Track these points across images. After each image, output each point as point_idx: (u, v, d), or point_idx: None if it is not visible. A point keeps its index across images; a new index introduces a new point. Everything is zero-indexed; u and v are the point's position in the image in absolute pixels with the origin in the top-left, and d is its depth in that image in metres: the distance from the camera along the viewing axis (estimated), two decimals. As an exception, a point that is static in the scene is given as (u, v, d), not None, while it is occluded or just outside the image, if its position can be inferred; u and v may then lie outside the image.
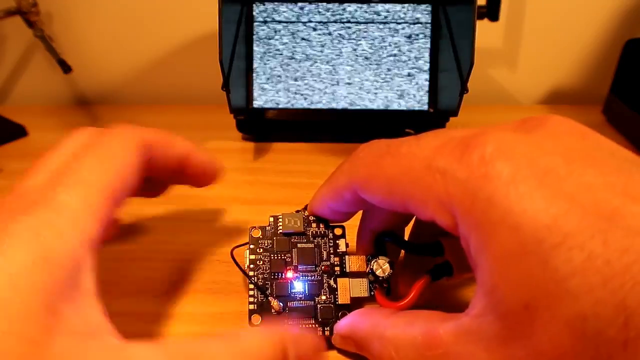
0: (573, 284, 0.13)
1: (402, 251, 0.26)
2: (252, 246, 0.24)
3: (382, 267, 0.23)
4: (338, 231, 0.24)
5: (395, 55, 0.41)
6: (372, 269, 0.23)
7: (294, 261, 0.24)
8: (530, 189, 0.15)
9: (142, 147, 0.22)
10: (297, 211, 0.26)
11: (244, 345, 0.18)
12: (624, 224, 0.13)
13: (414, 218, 0.24)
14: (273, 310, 0.23)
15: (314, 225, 0.24)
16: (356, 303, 0.23)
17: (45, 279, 0.16)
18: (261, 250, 0.24)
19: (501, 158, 0.16)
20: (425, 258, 0.23)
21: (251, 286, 0.23)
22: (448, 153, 0.17)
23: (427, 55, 0.41)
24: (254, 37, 0.42)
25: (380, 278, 0.23)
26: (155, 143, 0.23)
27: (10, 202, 0.19)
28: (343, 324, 0.22)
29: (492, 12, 0.40)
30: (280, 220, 0.24)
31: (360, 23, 0.41)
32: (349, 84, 0.42)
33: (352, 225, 0.25)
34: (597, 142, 0.17)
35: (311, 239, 0.24)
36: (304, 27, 0.41)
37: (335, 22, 0.41)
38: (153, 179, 0.25)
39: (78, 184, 0.19)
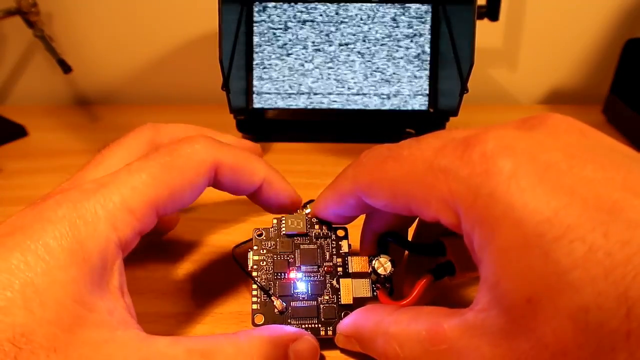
0: (575, 276, 0.13)
1: (406, 252, 0.26)
2: (255, 247, 0.24)
3: (383, 265, 0.23)
4: (340, 232, 0.25)
5: (395, 55, 0.41)
6: (373, 267, 0.23)
7: (297, 262, 0.24)
8: (531, 184, 0.15)
9: (214, 169, 0.22)
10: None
11: (249, 344, 0.20)
12: (624, 217, 0.13)
13: (417, 219, 0.24)
14: (276, 310, 0.23)
15: (316, 226, 0.25)
16: (359, 303, 0.23)
17: (77, 274, 0.17)
18: (264, 251, 0.24)
19: (502, 154, 0.16)
20: (429, 258, 0.23)
21: (254, 286, 0.23)
22: (450, 152, 0.17)
23: (427, 55, 0.41)
24: (254, 37, 0.42)
25: (382, 276, 0.23)
26: (233, 168, 0.23)
27: (65, 188, 0.20)
28: (346, 323, 0.22)
29: (492, 12, 0.40)
30: (284, 221, 0.25)
31: (360, 23, 0.41)
32: (349, 83, 0.42)
33: (355, 226, 0.25)
34: (597, 139, 0.17)
35: (314, 240, 0.24)
36: (304, 27, 0.41)
37: (335, 22, 0.41)
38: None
39: (127, 187, 0.20)
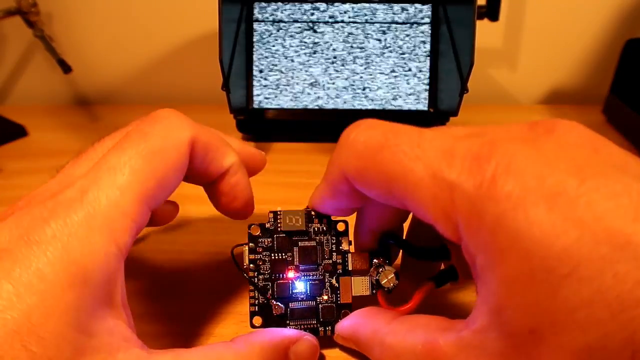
0: (581, 315, 0.13)
1: (401, 251, 0.26)
2: (251, 244, 0.23)
3: (387, 277, 0.23)
4: (341, 227, 0.24)
5: (395, 55, 0.41)
6: (377, 280, 0.23)
7: (295, 260, 0.23)
8: (540, 214, 0.14)
9: (191, 146, 0.21)
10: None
11: (250, 352, 0.20)
12: (635, 254, 0.13)
13: (411, 214, 0.24)
14: (274, 312, 0.23)
15: (315, 221, 0.24)
16: (358, 302, 0.23)
17: (76, 299, 0.16)
18: (261, 249, 0.23)
19: (510, 177, 0.15)
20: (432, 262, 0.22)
21: (252, 287, 0.23)
22: (457, 164, 0.16)
23: (427, 55, 0.41)
24: (254, 36, 0.41)
25: (386, 289, 0.23)
26: (207, 146, 0.21)
27: (48, 191, 0.18)
28: (344, 326, 0.22)
29: (492, 12, 0.40)
30: (280, 216, 0.23)
31: (360, 23, 0.41)
32: (349, 83, 0.42)
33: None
34: (609, 156, 0.16)
35: (313, 236, 0.23)
36: (304, 27, 0.41)
37: (335, 22, 0.41)
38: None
39: (113, 188, 0.18)
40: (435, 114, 0.42)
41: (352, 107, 0.42)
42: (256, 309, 0.23)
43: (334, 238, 0.24)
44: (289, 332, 0.22)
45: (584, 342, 0.13)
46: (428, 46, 0.41)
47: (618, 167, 0.15)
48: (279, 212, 0.23)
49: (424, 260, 0.23)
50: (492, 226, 0.15)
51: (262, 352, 0.20)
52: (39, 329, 0.15)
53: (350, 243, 0.24)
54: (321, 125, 0.44)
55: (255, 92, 0.42)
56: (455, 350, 0.17)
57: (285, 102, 0.42)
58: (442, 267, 0.24)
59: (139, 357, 0.17)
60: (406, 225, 0.25)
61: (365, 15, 0.41)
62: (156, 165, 0.19)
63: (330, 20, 0.41)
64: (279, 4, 0.41)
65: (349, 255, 0.23)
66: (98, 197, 0.17)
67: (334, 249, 0.24)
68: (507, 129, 0.18)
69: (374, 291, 0.23)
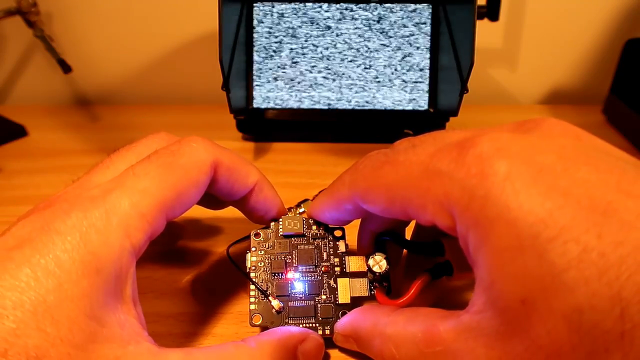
0: (569, 277, 0.13)
1: (405, 251, 0.26)
2: (253, 248, 0.24)
3: (378, 263, 0.23)
4: (338, 233, 0.25)
5: (395, 55, 0.41)
6: (369, 266, 0.23)
7: (294, 262, 0.24)
8: (526, 185, 0.15)
9: (214, 168, 0.22)
10: (289, 209, 0.26)
11: (262, 351, 0.20)
12: (618, 218, 0.14)
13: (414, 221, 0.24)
14: (274, 310, 0.23)
15: (314, 227, 0.25)
16: (356, 302, 0.23)
17: (89, 287, 0.17)
18: (262, 252, 0.24)
19: (497, 156, 0.16)
20: (428, 258, 0.23)
21: (252, 286, 0.23)
22: (445, 155, 0.17)
23: (427, 55, 0.41)
24: (254, 37, 0.42)
25: (378, 274, 0.23)
26: (230, 168, 0.23)
27: (70, 193, 0.19)
28: (344, 322, 0.22)
29: (492, 12, 0.40)
30: (281, 222, 0.25)
31: (360, 23, 0.41)
32: (349, 84, 0.42)
33: (352, 227, 0.25)
34: (592, 142, 0.17)
35: (311, 240, 0.25)
36: (304, 27, 0.41)
37: (336, 21, 0.41)
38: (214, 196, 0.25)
39: (135, 191, 0.19)
40: (435, 114, 0.42)
41: (352, 107, 0.42)
42: (256, 307, 0.23)
43: (331, 242, 0.25)
44: (296, 330, 0.22)
45: (573, 304, 0.13)
46: (428, 46, 0.41)
47: (601, 151, 0.16)
48: (279, 219, 0.25)
49: (419, 255, 0.24)
50: (481, 201, 0.16)
51: (273, 351, 0.20)
52: (53, 311, 0.16)
53: (347, 246, 0.24)
54: (321, 125, 0.44)
55: (255, 92, 0.42)
56: (454, 335, 0.17)
57: (285, 102, 0.42)
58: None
59: (150, 351, 0.18)
60: (409, 230, 0.25)
61: (365, 15, 0.41)
62: (178, 179, 0.20)
63: (330, 20, 0.41)
64: (279, 3, 0.41)
65: (347, 257, 0.24)
66: (120, 197, 0.19)
67: (332, 252, 0.24)
68: (496, 127, 0.19)
69: (372, 292, 0.23)
